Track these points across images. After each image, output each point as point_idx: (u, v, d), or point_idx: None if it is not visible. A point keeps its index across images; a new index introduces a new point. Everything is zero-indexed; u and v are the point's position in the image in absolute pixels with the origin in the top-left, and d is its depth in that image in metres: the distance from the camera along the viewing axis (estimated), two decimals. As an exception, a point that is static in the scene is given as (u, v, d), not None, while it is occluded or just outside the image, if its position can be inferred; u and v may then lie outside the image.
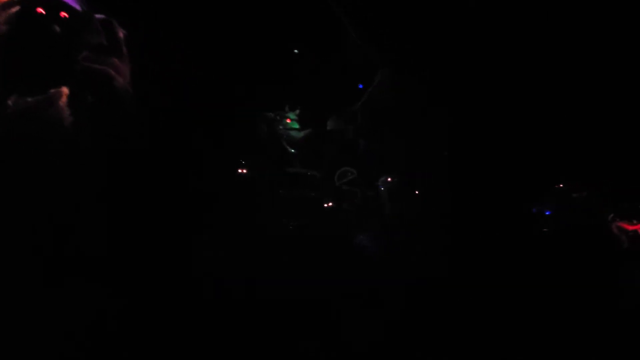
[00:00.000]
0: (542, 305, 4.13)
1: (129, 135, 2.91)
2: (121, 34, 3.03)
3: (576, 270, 5.59)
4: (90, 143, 2.84)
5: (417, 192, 7.30)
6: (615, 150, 7.22)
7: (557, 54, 7.20)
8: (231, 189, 5.83)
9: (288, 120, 6.90)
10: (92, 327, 2.40)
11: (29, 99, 2.65)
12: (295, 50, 6.80)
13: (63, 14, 2.87)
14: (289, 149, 6.63)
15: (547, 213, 8.58)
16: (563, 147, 7.84)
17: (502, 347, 3.21)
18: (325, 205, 6.06)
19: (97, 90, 2.95)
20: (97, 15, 3.01)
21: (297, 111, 6.99)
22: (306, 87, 6.82)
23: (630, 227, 6.87)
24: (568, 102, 7.62)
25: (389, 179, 6.70)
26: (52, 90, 2.85)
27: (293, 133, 6.81)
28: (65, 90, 2.92)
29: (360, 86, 7.26)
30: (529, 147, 7.87)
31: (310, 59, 6.70)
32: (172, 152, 5.13)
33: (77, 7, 2.95)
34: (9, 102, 2.61)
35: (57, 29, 3.01)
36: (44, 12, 2.79)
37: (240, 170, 6.10)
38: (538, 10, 6.66)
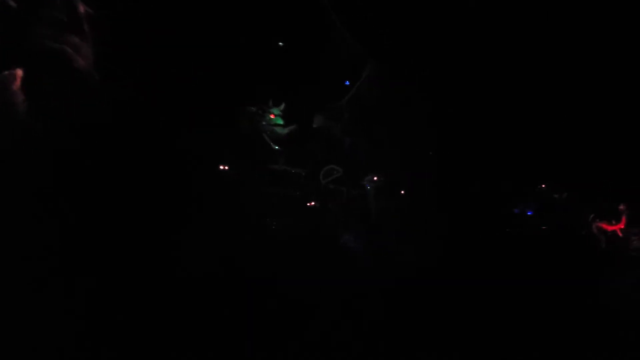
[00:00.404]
0: (524, 302, 4.07)
1: (90, 125, 2.60)
2: (82, 9, 2.70)
3: (557, 269, 5.62)
4: (45, 132, 2.52)
5: (402, 192, 7.26)
6: (595, 153, 7.37)
7: (540, 60, 7.29)
8: (211, 185, 5.53)
9: (272, 116, 6.64)
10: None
11: (-22, 83, 2.34)
12: (280, 43, 6.53)
13: (18, -15, 2.56)
14: (273, 146, 6.37)
15: (529, 213, 8.76)
16: (546, 149, 7.96)
17: (486, 345, 3.12)
18: (310, 204, 5.84)
19: (55, 73, 2.62)
20: (57, -13, 2.71)
21: (282, 106, 6.73)
22: (291, 81, 6.57)
23: (610, 228, 7.03)
24: (550, 105, 7.74)
25: (375, 178, 6.58)
26: (5, 72, 2.56)
27: (277, 129, 6.56)
28: (19, 72, 2.65)
29: (347, 83, 7.09)
30: (513, 149, 7.98)
31: (296, 52, 6.46)
32: (143, 146, 4.83)
33: (35, -22, 2.63)
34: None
35: (12, 3, 2.69)
36: (-4, -16, 2.48)
37: (221, 167, 5.80)
38: (524, 10, 6.71)
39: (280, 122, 6.63)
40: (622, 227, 6.83)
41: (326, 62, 6.27)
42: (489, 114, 7.94)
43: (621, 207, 6.90)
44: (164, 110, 4.99)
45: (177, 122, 5.25)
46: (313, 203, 5.67)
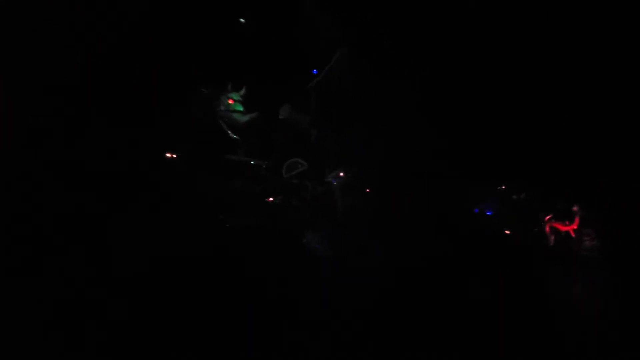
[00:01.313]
0: (477, 301, 4.06)
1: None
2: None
3: (510, 268, 5.63)
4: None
5: (370, 190, 6.96)
6: (552, 154, 7.61)
7: (508, 61, 7.37)
8: (158, 176, 4.76)
9: (230, 101, 5.92)
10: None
11: None
12: (242, 20, 5.81)
13: None
14: (230, 134, 5.66)
15: (488, 213, 8.97)
16: (506, 150, 8.12)
17: (442, 344, 3.07)
18: (271, 199, 5.22)
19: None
20: None
21: (242, 91, 6.03)
22: (253, 64, 5.91)
23: (563, 228, 7.30)
24: (511, 106, 7.87)
25: (342, 174, 6.15)
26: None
27: (236, 116, 5.85)
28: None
29: (315, 72, 6.58)
30: (475, 150, 8.08)
31: (260, 31, 5.79)
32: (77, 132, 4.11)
33: None
34: None
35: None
36: None
37: (168, 155, 4.99)
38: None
39: (240, 108, 5.93)
40: (575, 227, 7.12)
41: (294, 42, 5.69)
42: (454, 113, 7.94)
43: (575, 208, 7.18)
44: (103, 93, 4.37)
45: (117, 101, 4.47)
46: (273, 199, 5.08)
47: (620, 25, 5.48)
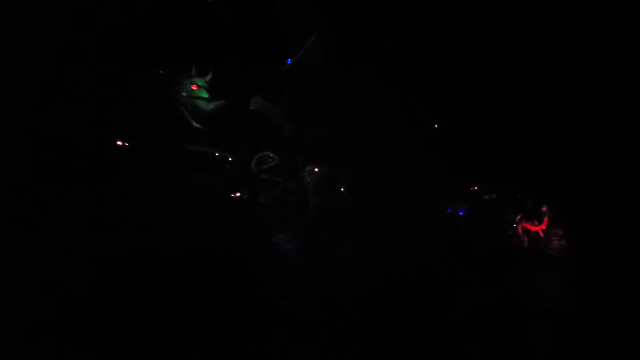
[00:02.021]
0: (454, 302, 4.09)
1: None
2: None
3: (484, 268, 5.75)
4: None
5: (344, 188, 6.69)
6: (522, 155, 7.72)
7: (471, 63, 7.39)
8: (107, 168, 4.13)
9: (194, 87, 5.34)
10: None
11: None
12: (210, -2, 5.26)
13: None
14: (193, 123, 5.08)
15: (460, 213, 9.02)
16: (478, 151, 8.18)
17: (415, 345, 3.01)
18: (236, 195, 4.69)
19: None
20: None
21: (208, 77, 5.46)
22: (222, 47, 5.37)
23: (532, 228, 7.42)
24: (482, 108, 7.92)
25: (317, 169, 5.77)
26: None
27: (200, 103, 5.27)
28: None
29: (289, 61, 6.14)
30: (448, 152, 8.09)
31: (232, 12, 5.25)
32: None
33: None
34: None
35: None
36: None
37: (119, 143, 4.33)
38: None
39: (205, 95, 5.35)
40: (544, 227, 7.24)
41: (267, 24, 5.20)
42: (430, 113, 7.90)
43: (544, 208, 7.31)
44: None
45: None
46: (239, 194, 4.57)
47: (601, 26, 5.56)
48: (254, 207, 4.88)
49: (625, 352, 3.09)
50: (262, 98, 5.44)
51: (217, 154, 4.85)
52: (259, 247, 4.56)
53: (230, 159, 4.86)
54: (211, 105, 5.23)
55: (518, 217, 7.51)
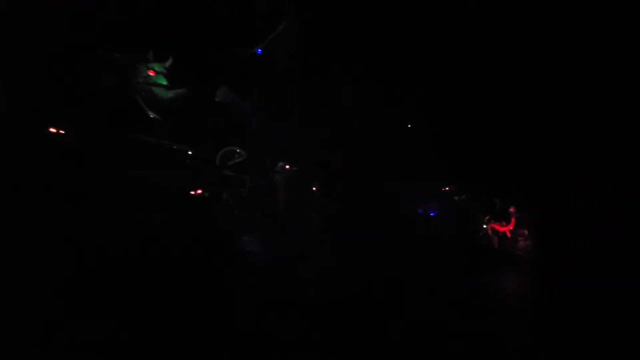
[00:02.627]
0: (425, 302, 3.95)
1: None
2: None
3: (456, 268, 5.67)
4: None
5: (316, 188, 6.41)
6: (491, 156, 7.85)
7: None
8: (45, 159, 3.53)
9: (151, 73, 4.79)
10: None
11: None
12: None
13: None
14: (148, 112, 4.53)
15: (432, 214, 9.06)
16: (450, 152, 8.25)
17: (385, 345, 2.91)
18: (197, 193, 4.20)
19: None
20: None
21: (168, 62, 4.93)
22: (185, 29, 4.85)
23: (500, 229, 7.54)
24: (452, 109, 7.99)
25: (288, 167, 5.41)
26: None
27: (158, 90, 4.73)
28: None
29: (259, 51, 5.74)
30: (419, 152, 8.10)
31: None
32: None
33: None
34: None
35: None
36: None
37: (52, 130, 3.69)
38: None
39: (164, 82, 4.82)
40: (512, 228, 7.38)
41: (240, 15, 4.76)
42: (400, 113, 7.86)
43: (511, 209, 7.44)
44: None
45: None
46: (200, 192, 4.10)
47: (580, 24, 5.68)
48: (217, 206, 4.41)
49: (591, 349, 3.12)
50: (229, 89, 4.98)
51: (175, 147, 4.33)
52: (222, 250, 4.12)
53: (190, 153, 4.36)
54: (170, 94, 4.71)
55: (487, 218, 7.60)
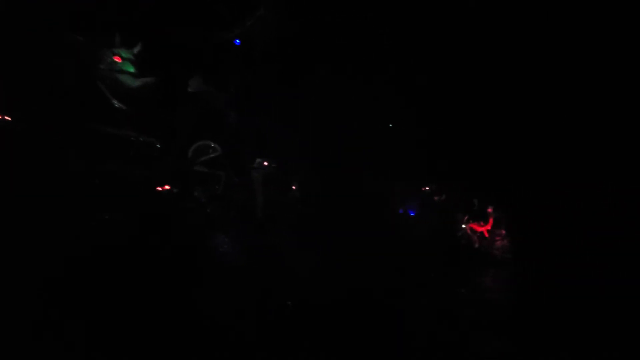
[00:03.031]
0: (404, 299, 3.92)
1: None
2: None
3: (436, 267, 5.71)
4: None
5: (295, 186, 6.20)
6: (470, 157, 7.92)
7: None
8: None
9: (117, 59, 4.41)
10: None
11: None
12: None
13: None
14: (113, 100, 4.15)
15: (411, 214, 9.07)
16: (429, 153, 8.28)
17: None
18: (163, 188, 3.86)
19: None
20: None
21: (137, 48, 4.56)
22: (154, 13, 4.50)
23: (478, 229, 7.60)
24: (431, 110, 8.01)
25: (266, 163, 5.15)
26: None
27: (124, 78, 4.36)
28: None
29: (237, 42, 5.45)
30: (400, 152, 8.08)
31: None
32: None
33: None
34: None
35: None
36: None
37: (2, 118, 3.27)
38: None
39: (131, 69, 4.45)
40: (489, 228, 7.45)
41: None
42: (386, 112, 7.82)
43: (489, 209, 7.52)
44: None
45: None
46: (168, 188, 3.78)
47: (547, 26, 5.75)
48: (188, 204, 4.10)
49: (564, 346, 3.14)
50: (203, 79, 4.67)
51: (141, 139, 3.98)
52: (192, 251, 3.83)
53: (157, 146, 4.02)
54: (137, 82, 4.35)
55: (466, 218, 7.65)
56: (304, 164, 6.09)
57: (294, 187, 6.20)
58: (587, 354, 3.05)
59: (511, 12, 5.90)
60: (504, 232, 7.28)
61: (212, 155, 4.59)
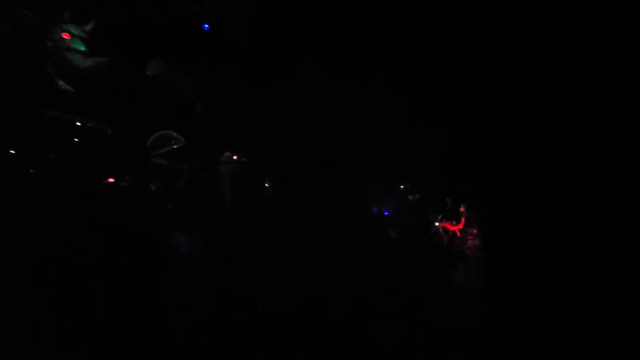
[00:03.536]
0: (377, 297, 3.94)
1: None
2: None
3: (409, 267, 5.70)
4: None
5: (267, 185, 5.92)
6: (443, 156, 7.97)
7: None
8: None
9: (66, 36, 3.93)
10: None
11: None
12: None
13: None
14: (59, 82, 3.68)
15: (386, 213, 9.07)
16: (404, 151, 8.28)
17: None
18: (109, 180, 3.43)
19: None
20: None
21: (89, 26, 4.09)
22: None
23: (451, 228, 7.69)
24: (407, 109, 8.01)
25: (235, 157, 4.82)
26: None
27: (73, 57, 3.89)
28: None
29: (206, 27, 5.08)
30: (378, 150, 8.03)
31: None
32: None
33: None
34: None
35: None
36: None
37: None
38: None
39: (82, 48, 3.98)
40: (461, 227, 7.55)
41: None
42: (357, 110, 7.73)
43: (462, 208, 7.62)
44: None
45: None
46: (117, 180, 3.38)
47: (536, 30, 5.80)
48: (146, 200, 3.70)
49: (538, 344, 3.17)
50: (164, 62, 4.26)
51: (89, 125, 3.54)
52: (150, 253, 3.46)
53: (109, 133, 3.59)
54: (89, 62, 3.89)
55: (439, 217, 7.72)
56: (276, 160, 5.81)
57: (267, 185, 5.91)
58: (558, 352, 3.06)
59: (497, 13, 5.94)
60: (475, 231, 7.40)
61: (175, 146, 4.20)
